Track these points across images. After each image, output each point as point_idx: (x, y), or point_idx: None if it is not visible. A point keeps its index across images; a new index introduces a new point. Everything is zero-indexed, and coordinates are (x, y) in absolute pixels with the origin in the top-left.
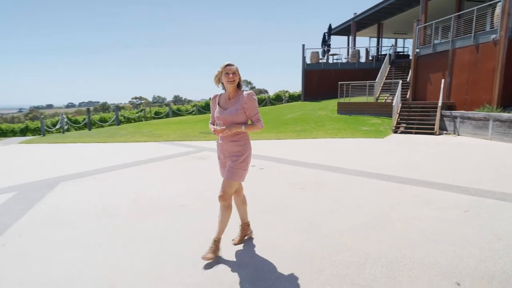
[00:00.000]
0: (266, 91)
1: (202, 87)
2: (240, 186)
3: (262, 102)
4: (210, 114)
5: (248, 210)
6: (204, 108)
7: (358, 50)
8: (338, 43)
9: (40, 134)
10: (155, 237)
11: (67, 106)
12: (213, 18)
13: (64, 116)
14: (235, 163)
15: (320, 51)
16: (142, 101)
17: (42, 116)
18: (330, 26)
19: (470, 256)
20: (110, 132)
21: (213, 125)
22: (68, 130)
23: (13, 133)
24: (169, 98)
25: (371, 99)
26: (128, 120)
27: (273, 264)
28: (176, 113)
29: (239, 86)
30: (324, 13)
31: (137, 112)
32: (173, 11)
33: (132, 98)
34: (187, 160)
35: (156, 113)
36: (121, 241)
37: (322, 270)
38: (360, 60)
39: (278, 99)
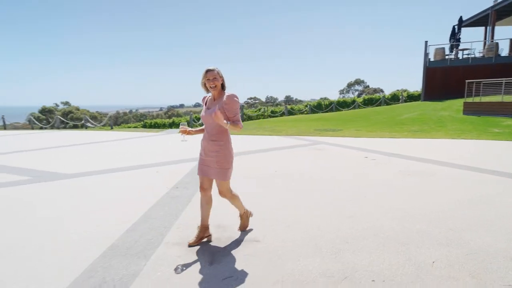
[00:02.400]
0: (381, 91)
1: (312, 88)
2: (211, 185)
3: (376, 102)
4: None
5: (360, 185)
6: (316, 107)
7: (497, 43)
8: (469, 36)
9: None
10: (290, 190)
11: (195, 106)
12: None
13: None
14: (217, 164)
15: (446, 46)
16: (256, 101)
17: (191, 113)
18: (460, 18)
19: None
20: None
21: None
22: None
23: (164, 126)
24: (281, 98)
25: (508, 98)
26: (249, 118)
27: (379, 214)
28: (290, 112)
29: (223, 87)
30: (451, 6)
31: (256, 111)
32: (276, 16)
33: (248, 99)
34: (308, 150)
35: (272, 112)
36: (270, 191)
37: (411, 220)
38: (499, 54)
39: (394, 98)
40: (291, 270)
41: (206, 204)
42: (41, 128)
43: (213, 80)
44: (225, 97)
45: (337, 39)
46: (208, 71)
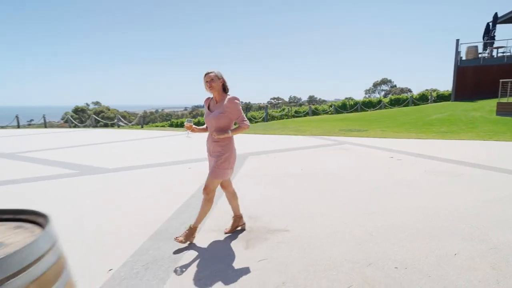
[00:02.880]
0: (409, 90)
1: (336, 88)
2: (229, 182)
3: (403, 102)
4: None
5: (386, 185)
6: (341, 107)
7: None
8: (505, 34)
9: None
10: (315, 188)
11: None
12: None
13: None
14: (217, 163)
15: (480, 45)
16: (280, 101)
17: None
18: (495, 14)
19: None
20: (263, 127)
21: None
22: None
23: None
24: (304, 98)
25: None
26: (272, 118)
27: (403, 211)
28: (314, 112)
29: (225, 89)
30: (484, 3)
31: (279, 111)
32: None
33: (271, 99)
34: (333, 150)
35: (296, 112)
36: (296, 188)
37: (435, 218)
38: None
39: (423, 99)
40: (319, 256)
41: (232, 198)
42: (75, 126)
43: (210, 82)
44: (226, 100)
45: (363, 38)
46: (205, 74)
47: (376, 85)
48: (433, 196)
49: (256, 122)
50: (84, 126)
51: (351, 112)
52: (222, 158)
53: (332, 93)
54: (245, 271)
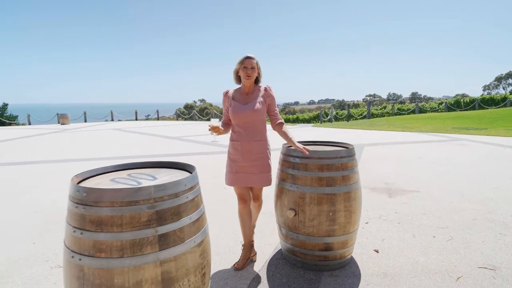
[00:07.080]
0: None
1: (441, 84)
2: (250, 196)
3: None
4: (223, 112)
5: (504, 170)
6: (453, 105)
7: None
8: None
9: (316, 122)
10: (434, 170)
11: (309, 103)
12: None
13: (333, 110)
14: (266, 167)
15: None
16: (376, 99)
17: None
18: None
19: None
20: (367, 124)
21: (225, 122)
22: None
23: (288, 121)
24: (405, 95)
25: None
26: (372, 115)
27: (497, 193)
28: (421, 110)
29: (257, 80)
30: None
31: (381, 109)
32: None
33: (366, 96)
34: (447, 144)
35: (399, 110)
36: (415, 169)
37: None
38: None
39: None
40: (449, 205)
41: (249, 217)
42: (184, 119)
43: (251, 69)
44: (263, 88)
45: (473, 26)
46: (247, 58)
47: (499, 79)
48: None
49: (355, 119)
50: (207, 120)
51: (466, 110)
52: (266, 161)
53: (439, 90)
54: (396, 206)
